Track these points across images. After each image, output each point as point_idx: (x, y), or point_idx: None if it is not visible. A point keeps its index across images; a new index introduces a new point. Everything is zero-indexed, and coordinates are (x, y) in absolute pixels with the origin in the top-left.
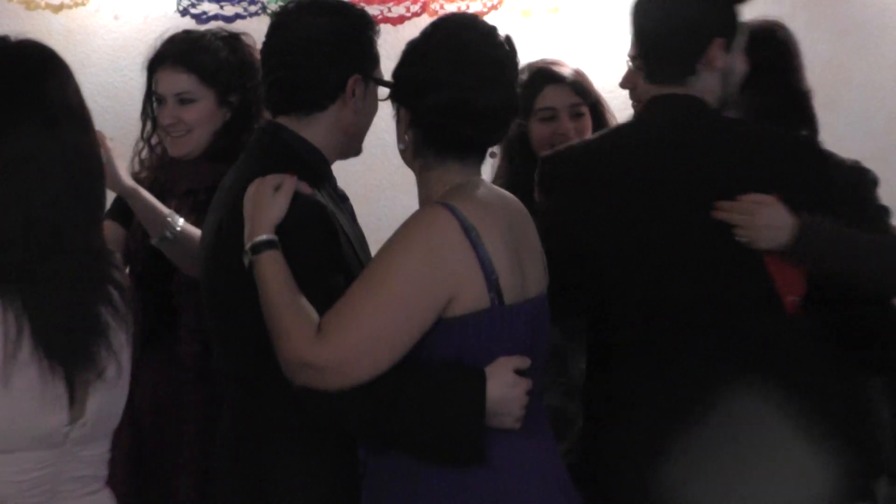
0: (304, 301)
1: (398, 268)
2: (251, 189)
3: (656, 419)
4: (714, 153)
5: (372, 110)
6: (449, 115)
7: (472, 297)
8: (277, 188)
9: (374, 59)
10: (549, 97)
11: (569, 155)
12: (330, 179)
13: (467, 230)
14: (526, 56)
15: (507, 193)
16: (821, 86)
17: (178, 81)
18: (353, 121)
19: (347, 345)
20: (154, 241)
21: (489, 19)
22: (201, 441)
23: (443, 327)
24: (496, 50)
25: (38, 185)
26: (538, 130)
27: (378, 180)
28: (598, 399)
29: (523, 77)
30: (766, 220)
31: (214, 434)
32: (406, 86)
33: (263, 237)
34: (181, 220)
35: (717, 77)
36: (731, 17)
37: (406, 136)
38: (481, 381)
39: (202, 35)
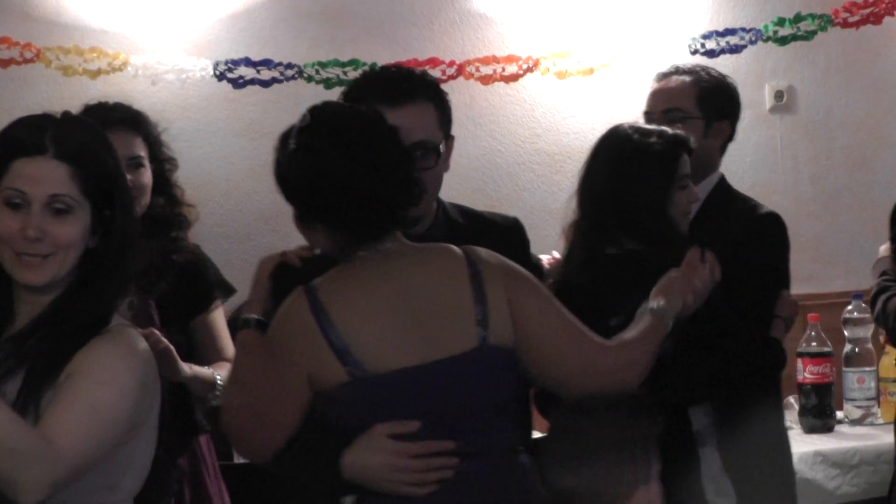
0: (250, 376)
1: (268, 350)
2: None
3: None
4: None
5: None
6: (356, 211)
7: (327, 373)
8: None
9: None
10: (686, 166)
11: None
12: None
13: (314, 310)
14: (560, 117)
15: (423, 259)
16: (855, 145)
17: (131, 145)
18: None
19: (238, 411)
20: (200, 406)
21: (525, 81)
22: None
23: (322, 400)
24: (378, 136)
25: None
26: (681, 199)
27: None
28: None
29: (654, 143)
30: None
31: None
32: (310, 205)
33: (244, 316)
34: (220, 380)
35: None
36: None
37: (322, 243)
38: (338, 447)
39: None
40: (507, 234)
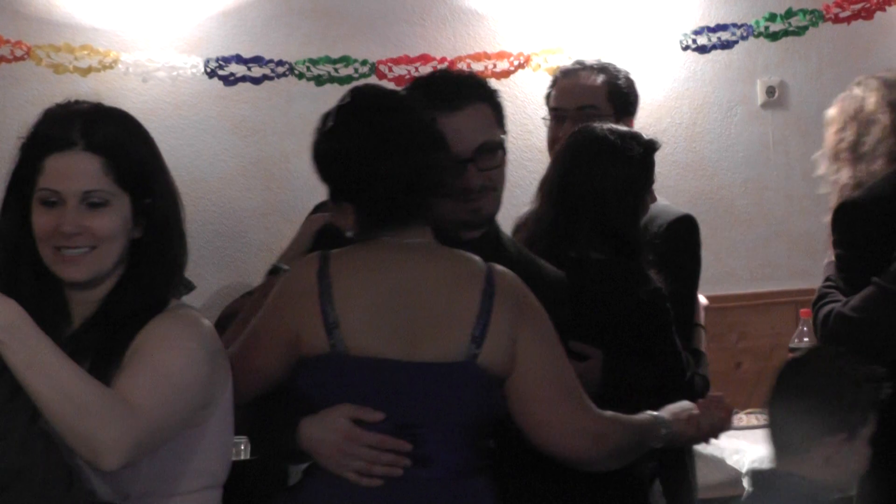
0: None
1: (268, 300)
2: None
3: None
4: None
5: None
6: (381, 193)
7: (312, 339)
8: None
9: None
10: None
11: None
12: None
13: (321, 277)
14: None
15: (441, 260)
16: None
17: None
18: None
19: (231, 346)
20: None
21: (517, 77)
22: None
23: (300, 364)
24: (413, 123)
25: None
26: (647, 203)
27: None
28: None
29: (635, 148)
30: None
31: None
32: (339, 183)
33: (276, 264)
34: None
35: None
36: None
37: (350, 224)
38: (299, 414)
39: None
40: (551, 286)
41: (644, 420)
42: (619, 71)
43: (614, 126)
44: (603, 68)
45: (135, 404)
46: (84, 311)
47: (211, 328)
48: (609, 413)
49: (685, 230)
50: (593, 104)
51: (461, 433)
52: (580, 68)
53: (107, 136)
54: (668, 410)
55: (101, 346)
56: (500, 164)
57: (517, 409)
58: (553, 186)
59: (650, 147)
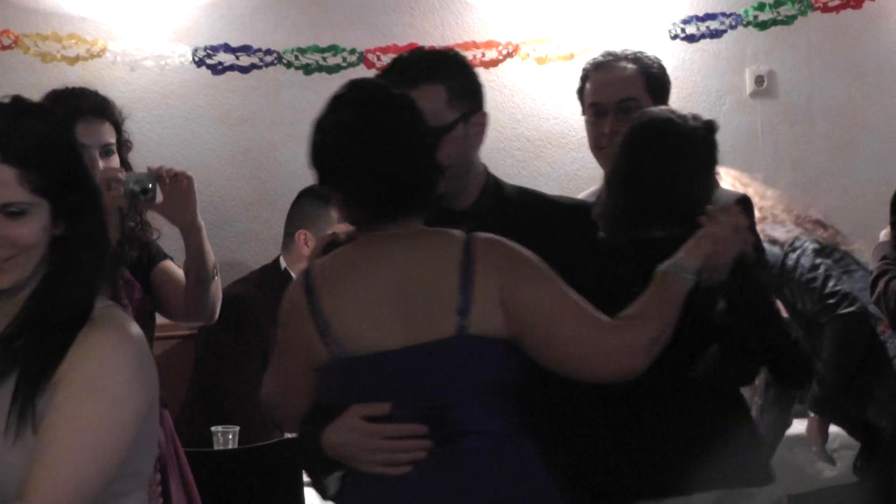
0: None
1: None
2: None
3: None
4: None
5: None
6: (361, 185)
7: (315, 352)
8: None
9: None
10: None
11: None
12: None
13: (307, 291)
14: (540, 102)
15: (419, 244)
16: (837, 129)
17: (102, 134)
18: None
19: (270, 381)
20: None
21: (505, 66)
22: None
23: (316, 377)
24: (399, 119)
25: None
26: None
27: None
28: None
29: (699, 129)
30: None
31: None
32: (327, 170)
33: None
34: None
35: None
36: None
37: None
38: (322, 424)
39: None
40: (570, 216)
41: (659, 287)
42: (651, 59)
43: (673, 109)
44: (636, 58)
45: (64, 487)
46: (10, 311)
47: (137, 335)
48: (625, 314)
49: (748, 211)
50: (633, 96)
51: (486, 401)
52: (613, 59)
53: (22, 145)
54: (679, 251)
55: (27, 363)
56: (446, 146)
57: (547, 357)
58: (622, 176)
59: (710, 127)
